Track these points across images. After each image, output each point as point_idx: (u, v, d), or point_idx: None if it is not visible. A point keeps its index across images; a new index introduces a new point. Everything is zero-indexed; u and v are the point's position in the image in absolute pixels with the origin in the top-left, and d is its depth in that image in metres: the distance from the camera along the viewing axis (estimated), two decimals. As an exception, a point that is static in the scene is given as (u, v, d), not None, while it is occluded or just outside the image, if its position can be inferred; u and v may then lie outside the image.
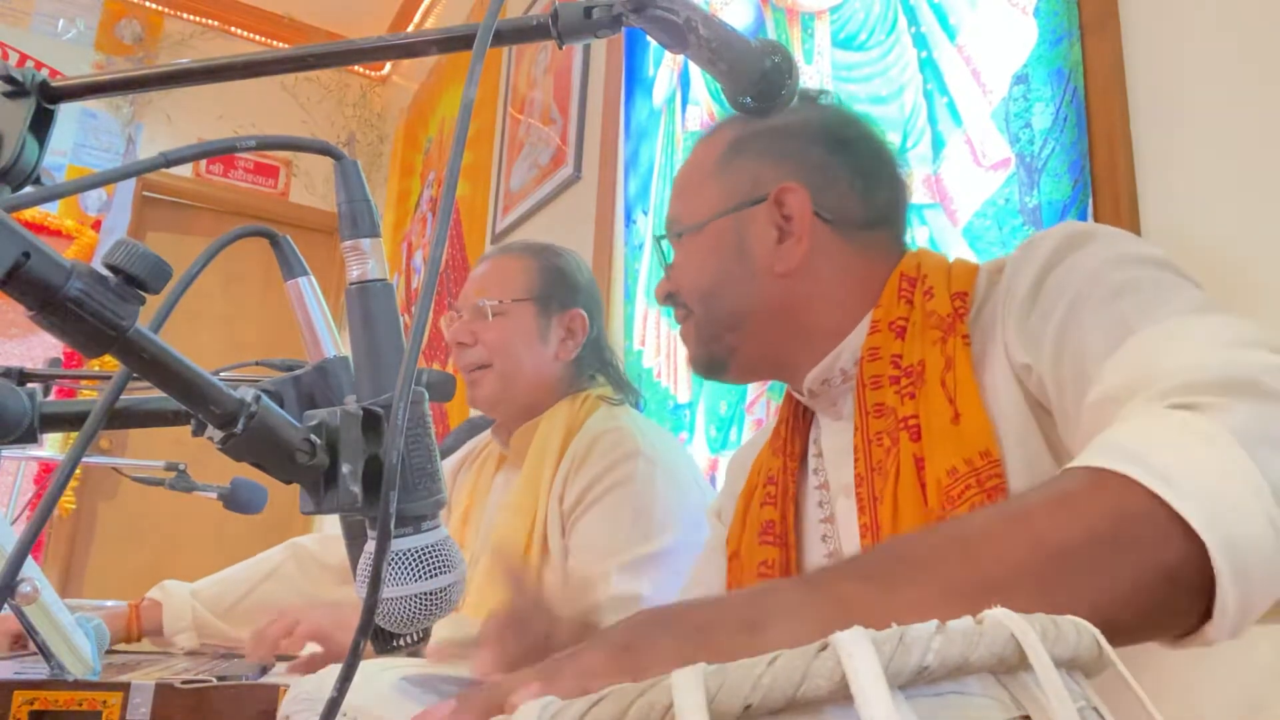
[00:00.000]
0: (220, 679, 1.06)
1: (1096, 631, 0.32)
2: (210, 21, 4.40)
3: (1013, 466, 0.65)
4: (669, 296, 0.89)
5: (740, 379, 0.90)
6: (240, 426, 0.38)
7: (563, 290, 1.38)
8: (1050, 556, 0.44)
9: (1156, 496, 0.45)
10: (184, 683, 1.02)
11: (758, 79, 0.50)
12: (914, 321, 0.76)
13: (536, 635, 0.74)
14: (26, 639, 1.05)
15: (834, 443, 0.82)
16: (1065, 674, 0.31)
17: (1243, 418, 0.49)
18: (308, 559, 1.54)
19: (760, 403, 1.64)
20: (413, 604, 0.43)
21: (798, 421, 0.89)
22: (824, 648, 0.27)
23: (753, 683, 0.26)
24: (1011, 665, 0.29)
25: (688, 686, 0.26)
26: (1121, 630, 0.39)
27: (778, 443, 0.89)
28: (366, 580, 0.40)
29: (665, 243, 0.91)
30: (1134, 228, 1.05)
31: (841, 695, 0.26)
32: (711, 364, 0.87)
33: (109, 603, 1.50)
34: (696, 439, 1.79)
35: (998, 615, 0.29)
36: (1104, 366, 0.59)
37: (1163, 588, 0.44)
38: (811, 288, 0.83)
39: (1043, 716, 0.28)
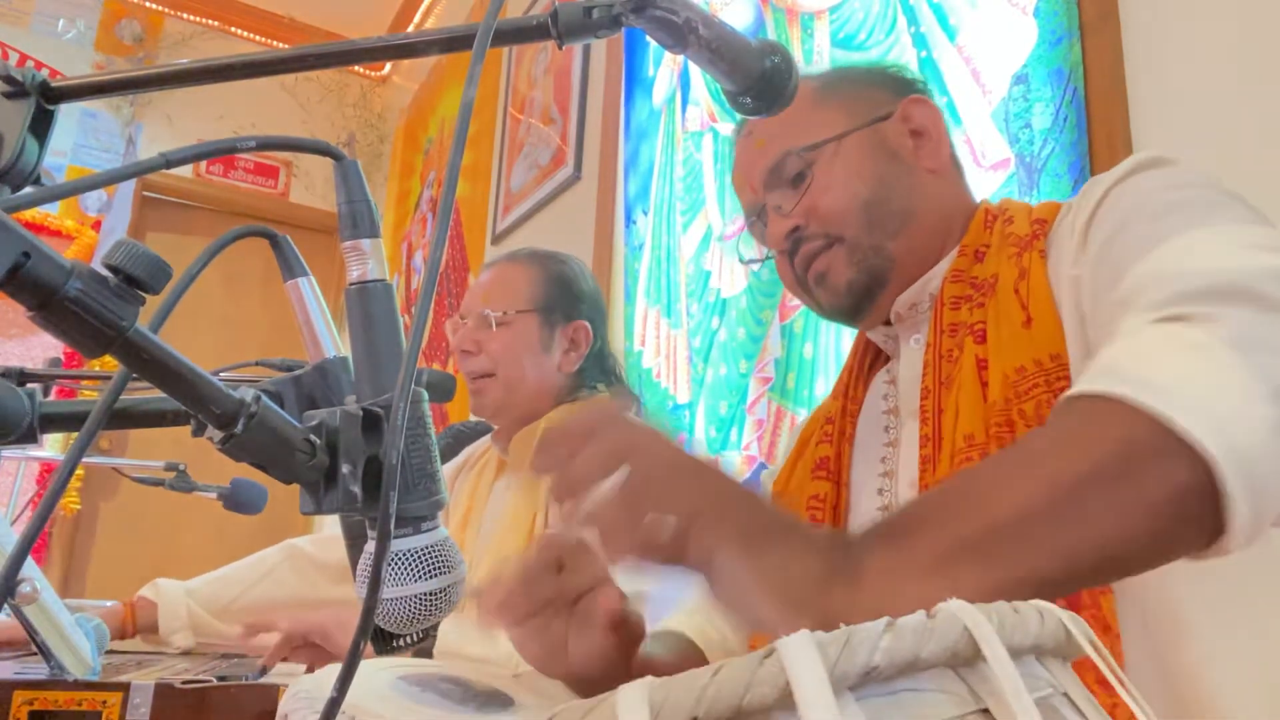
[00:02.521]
0: (220, 679, 1.06)
1: (1063, 614, 0.31)
2: (210, 21, 4.40)
3: (1078, 372, 0.65)
4: (795, 230, 0.83)
5: (889, 300, 0.82)
6: (240, 427, 0.38)
7: (567, 300, 1.39)
8: (1060, 497, 0.43)
9: (1157, 416, 0.44)
10: (184, 683, 1.02)
11: (758, 79, 0.49)
12: (993, 245, 0.77)
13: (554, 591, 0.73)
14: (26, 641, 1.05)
15: (910, 369, 0.82)
16: (1035, 660, 0.30)
17: (1235, 325, 0.48)
18: (303, 559, 1.55)
19: (761, 403, 1.64)
20: (413, 604, 0.43)
21: (861, 368, 0.89)
22: (769, 654, 0.26)
23: (697, 695, 0.26)
24: (968, 658, 0.28)
25: (632, 703, 0.26)
26: (1140, 556, 0.39)
27: (839, 387, 0.90)
28: (366, 580, 0.40)
29: (780, 175, 0.84)
30: (1134, 228, 1.05)
31: (788, 702, 0.25)
32: (871, 283, 0.81)
33: (109, 603, 1.50)
34: (696, 439, 1.79)
35: (951, 608, 0.29)
36: (1129, 271, 0.59)
37: (1175, 508, 0.44)
38: (952, 192, 0.85)
39: (1001, 708, 0.27)
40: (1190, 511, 0.44)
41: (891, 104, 0.85)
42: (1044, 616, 0.31)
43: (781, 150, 0.84)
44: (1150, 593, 0.61)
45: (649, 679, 0.27)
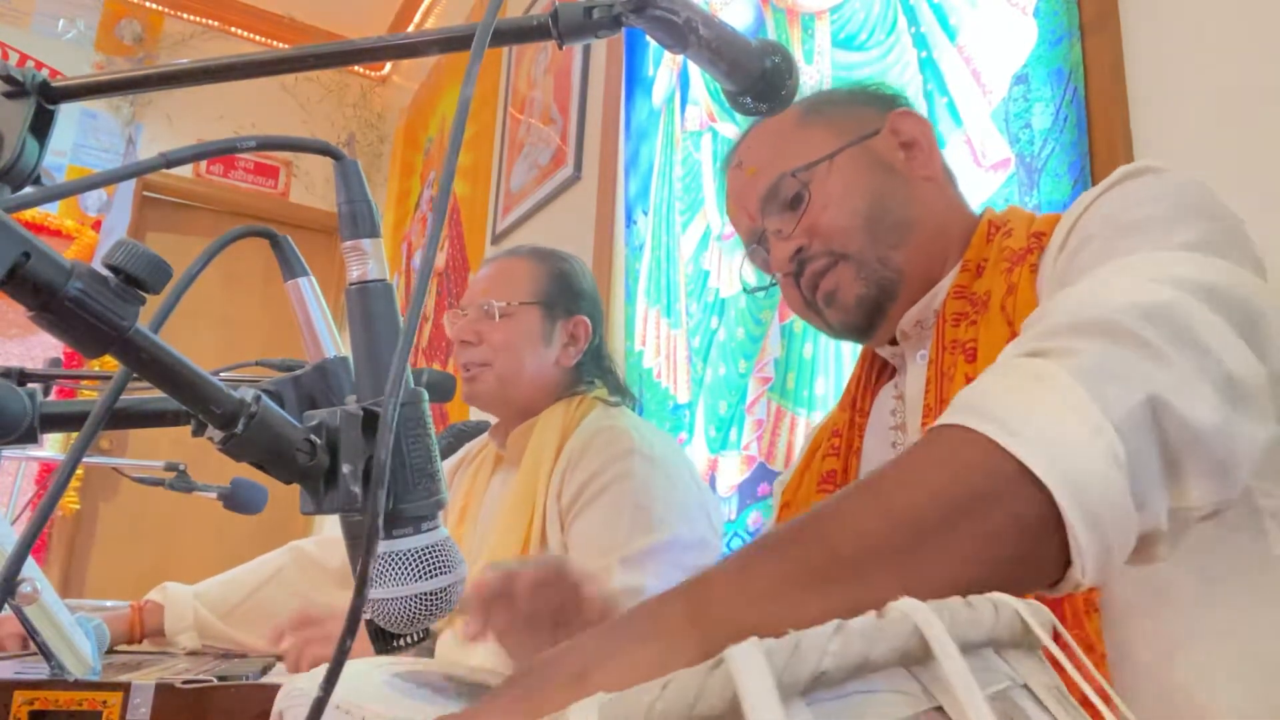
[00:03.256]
0: (220, 679, 1.06)
1: (1019, 604, 0.31)
2: (210, 21, 4.40)
3: None
4: (799, 251, 0.82)
5: (899, 314, 0.82)
6: (240, 427, 0.38)
7: (568, 296, 1.39)
8: (900, 526, 0.43)
9: (995, 445, 0.44)
10: (184, 683, 1.02)
11: (758, 79, 0.49)
12: (990, 260, 0.77)
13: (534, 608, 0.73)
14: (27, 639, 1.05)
15: (915, 385, 0.82)
16: (993, 654, 0.30)
17: (1086, 358, 0.48)
18: (308, 563, 1.55)
19: (760, 403, 1.64)
20: (413, 604, 0.43)
21: (869, 380, 0.89)
22: (718, 664, 0.26)
23: (646, 710, 0.26)
24: (920, 656, 0.28)
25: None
26: (993, 588, 0.39)
27: (847, 399, 0.90)
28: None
29: (776, 200, 0.84)
30: (1134, 228, 1.05)
31: (738, 711, 0.25)
32: (881, 297, 0.81)
33: (109, 603, 1.50)
34: (696, 439, 1.79)
35: (902, 606, 0.29)
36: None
37: (1018, 539, 0.44)
38: (948, 199, 0.85)
39: (954, 705, 0.27)
40: (1035, 539, 0.44)
41: (879, 119, 0.85)
42: (999, 609, 0.31)
43: (775, 175, 0.84)
44: (1137, 612, 0.61)
45: (599, 695, 0.27)
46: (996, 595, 0.31)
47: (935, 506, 0.44)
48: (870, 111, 0.86)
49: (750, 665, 0.26)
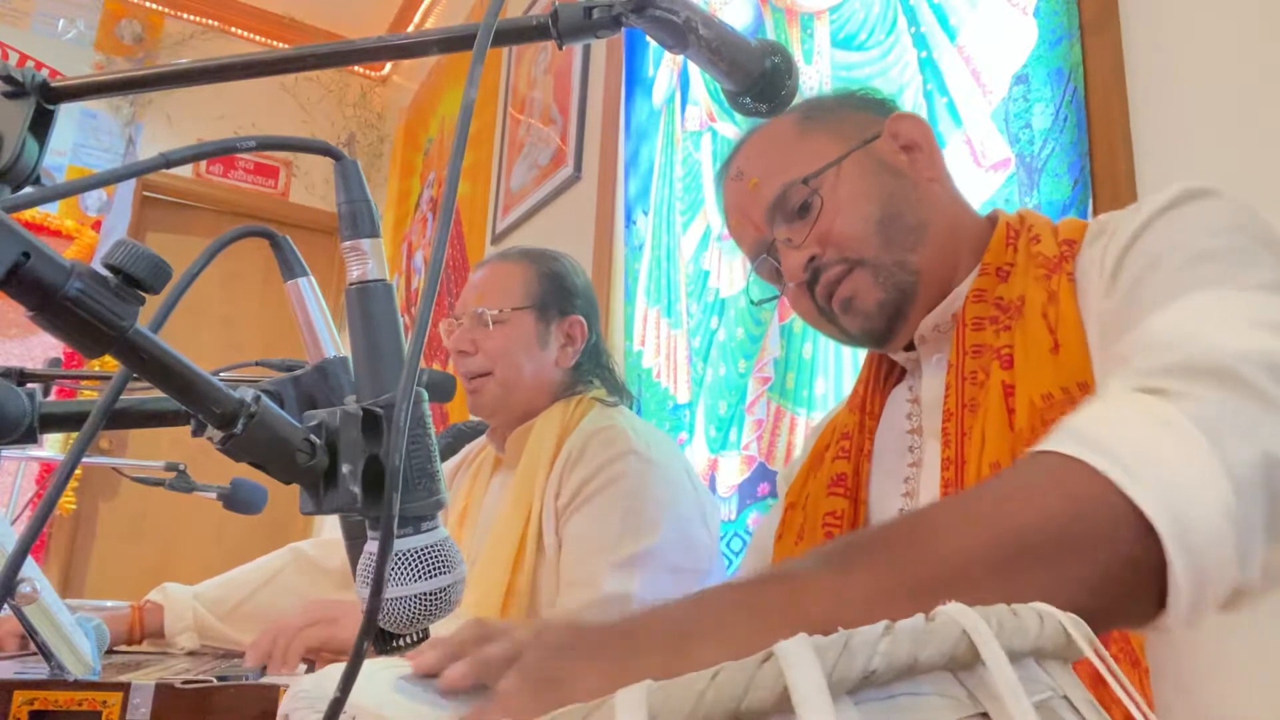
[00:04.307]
0: (220, 679, 1.06)
1: (1063, 616, 0.31)
2: (210, 21, 4.40)
3: None
4: (812, 260, 0.81)
5: (919, 317, 0.81)
6: (240, 427, 0.38)
7: (561, 296, 1.39)
8: (1004, 544, 0.43)
9: (1112, 483, 0.45)
10: (184, 683, 1.02)
11: (758, 79, 0.50)
12: (1018, 265, 0.76)
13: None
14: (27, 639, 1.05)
15: (933, 390, 0.81)
16: (1034, 663, 0.30)
17: (1208, 406, 0.48)
18: (307, 564, 1.55)
19: (760, 403, 1.64)
20: (413, 604, 0.43)
21: (878, 381, 0.89)
22: (767, 658, 0.26)
23: (695, 699, 0.26)
24: (967, 661, 0.28)
25: (630, 706, 0.26)
26: (1084, 619, 0.39)
27: (855, 401, 0.89)
28: (368, 581, 0.40)
29: (784, 209, 0.83)
30: (1134, 228, 1.05)
31: (786, 705, 0.25)
32: (901, 301, 0.80)
33: (109, 603, 1.50)
34: (696, 439, 1.79)
35: (950, 611, 0.29)
36: (1140, 324, 0.58)
37: (1118, 574, 0.44)
38: (954, 199, 0.85)
39: (1000, 712, 0.27)
40: (1134, 578, 0.44)
41: (877, 124, 0.85)
42: (1044, 619, 0.31)
43: (780, 184, 0.83)
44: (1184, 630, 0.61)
45: (647, 681, 0.27)
46: (1041, 605, 0.31)
47: (1043, 533, 0.44)
48: (866, 116, 0.86)
49: (801, 660, 0.26)
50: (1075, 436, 0.48)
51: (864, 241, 0.80)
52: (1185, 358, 0.52)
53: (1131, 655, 0.60)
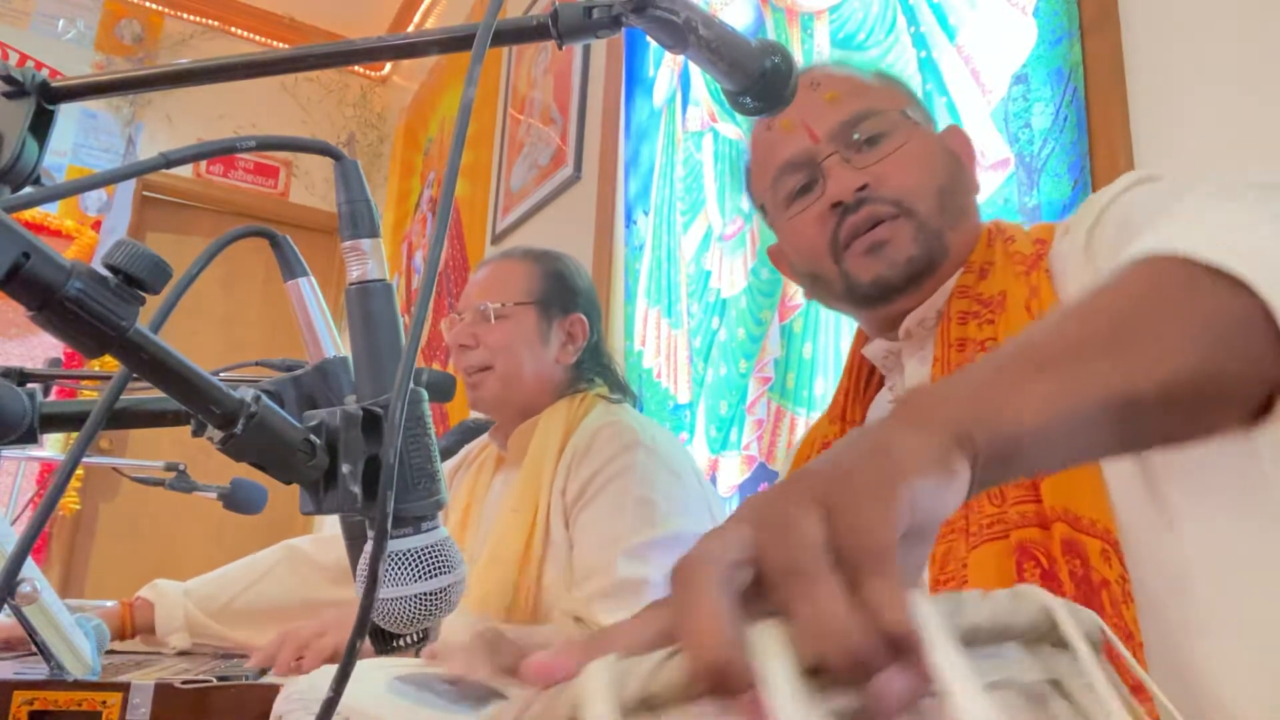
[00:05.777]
0: (220, 679, 1.06)
1: (1099, 621, 0.33)
2: (210, 21, 4.40)
3: None
4: (864, 188, 0.81)
5: (932, 289, 0.82)
6: (240, 427, 0.38)
7: (564, 294, 1.40)
8: (1106, 322, 0.43)
9: (1211, 262, 0.43)
10: (184, 683, 1.02)
11: (758, 79, 0.50)
12: (997, 263, 0.78)
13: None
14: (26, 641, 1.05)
15: (917, 384, 0.82)
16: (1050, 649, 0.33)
17: (1252, 195, 0.49)
18: (301, 559, 1.55)
19: (761, 403, 1.64)
20: (412, 604, 0.43)
21: (858, 391, 0.90)
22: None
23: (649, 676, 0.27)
24: (1040, 635, 0.31)
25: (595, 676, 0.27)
26: (1213, 375, 0.39)
27: (836, 411, 0.90)
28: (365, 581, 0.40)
29: (855, 130, 0.83)
30: (1134, 228, 1.06)
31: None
32: (927, 266, 0.81)
33: (108, 603, 1.50)
34: (696, 439, 1.79)
35: (1027, 590, 0.31)
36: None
37: (1228, 326, 0.42)
38: (977, 213, 0.89)
39: (1077, 682, 0.30)
40: (1241, 333, 0.42)
41: (933, 123, 0.90)
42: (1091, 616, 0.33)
43: (863, 105, 0.84)
44: (1159, 601, 0.61)
45: (612, 656, 0.28)
46: (1085, 610, 0.33)
47: (1138, 303, 0.44)
48: (927, 113, 0.90)
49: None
50: (1157, 239, 0.47)
51: (921, 197, 0.81)
52: (1208, 185, 0.53)
53: (1125, 629, 0.60)
